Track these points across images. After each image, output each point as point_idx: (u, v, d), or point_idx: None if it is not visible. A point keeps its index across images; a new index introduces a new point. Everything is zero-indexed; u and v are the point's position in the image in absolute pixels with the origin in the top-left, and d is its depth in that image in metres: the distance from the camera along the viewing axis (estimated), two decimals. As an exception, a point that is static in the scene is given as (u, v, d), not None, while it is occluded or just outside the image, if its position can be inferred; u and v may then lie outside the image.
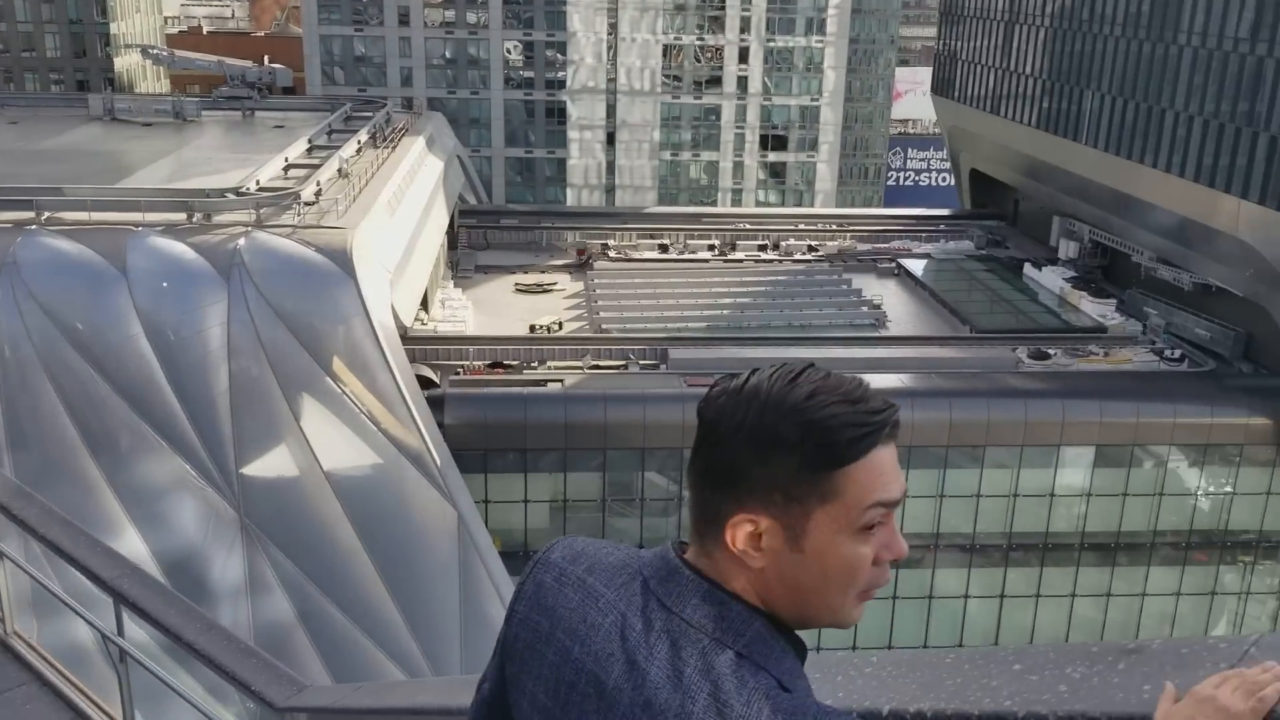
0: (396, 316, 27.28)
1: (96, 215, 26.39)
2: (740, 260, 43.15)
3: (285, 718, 4.79)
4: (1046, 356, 32.15)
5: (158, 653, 5.41)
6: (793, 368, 1.46)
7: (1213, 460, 30.67)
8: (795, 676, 1.44)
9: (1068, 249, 40.87)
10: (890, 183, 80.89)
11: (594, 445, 28.93)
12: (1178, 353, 32.81)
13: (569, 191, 67.61)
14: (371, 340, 24.79)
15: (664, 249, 43.88)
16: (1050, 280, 39.24)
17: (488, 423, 28.24)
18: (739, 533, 1.43)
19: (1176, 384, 31.19)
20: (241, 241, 25.54)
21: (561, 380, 30.17)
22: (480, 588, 24.16)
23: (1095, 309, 36.45)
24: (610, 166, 68.01)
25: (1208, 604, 32.19)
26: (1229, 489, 31.05)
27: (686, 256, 43.41)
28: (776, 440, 1.42)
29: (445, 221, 38.38)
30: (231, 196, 28.11)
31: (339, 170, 32.05)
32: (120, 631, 5.64)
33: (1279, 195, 30.21)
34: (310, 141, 36.56)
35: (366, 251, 26.18)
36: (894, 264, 42.54)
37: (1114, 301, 36.74)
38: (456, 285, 38.21)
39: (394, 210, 30.71)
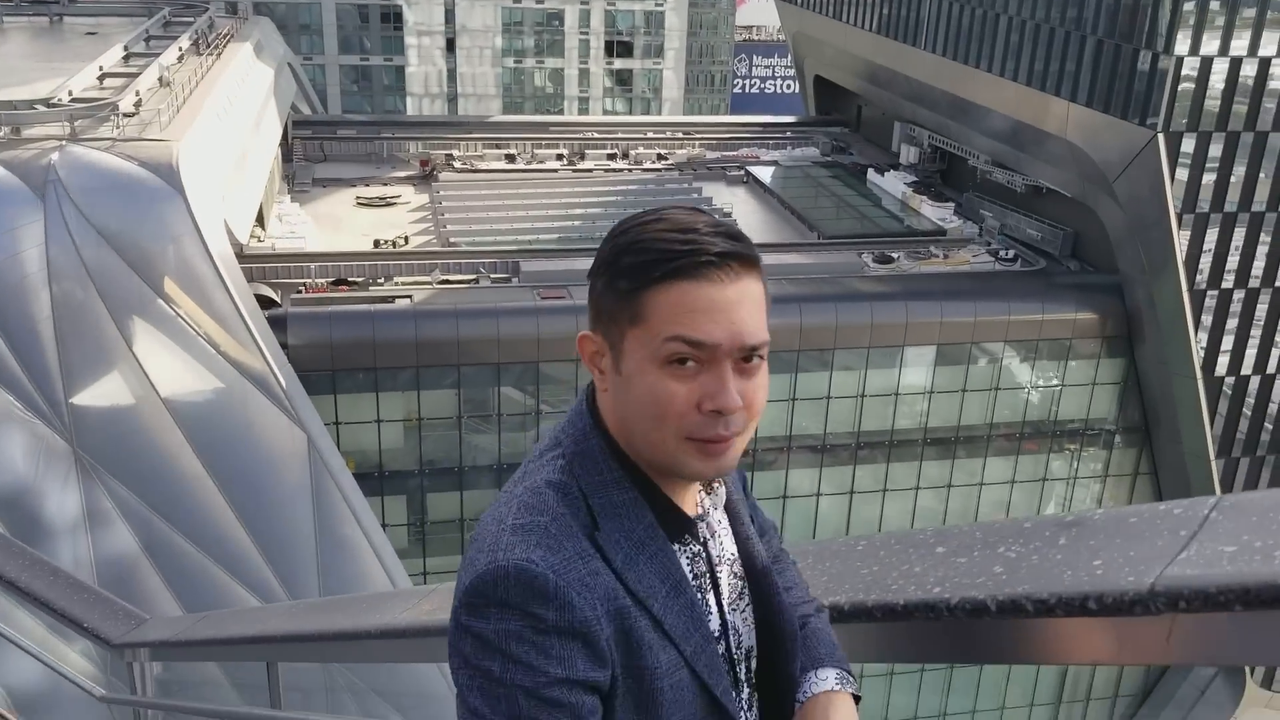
0: (230, 233, 25.97)
1: (-113, 130, 24.14)
2: (589, 170, 42.61)
3: (125, 655, 4.46)
4: (890, 260, 32.95)
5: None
6: (680, 207, 1.50)
7: (1043, 355, 32.16)
8: (615, 511, 1.45)
9: (908, 154, 41.75)
10: (736, 90, 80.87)
11: (447, 362, 28.38)
12: (1011, 253, 34.07)
13: (409, 100, 65.37)
14: (204, 259, 23.53)
15: (511, 159, 42.96)
16: (892, 185, 40.09)
17: (334, 342, 27.35)
18: (582, 349, 1.51)
19: (1010, 283, 32.44)
20: (55, 156, 23.75)
21: (410, 296, 29.39)
22: (335, 511, 23.61)
23: (935, 212, 37.46)
24: (451, 74, 65.95)
25: (1039, 490, 34.04)
26: (1057, 382, 32.66)
27: (534, 167, 42.63)
28: (599, 259, 1.48)
29: (278, 133, 36.58)
30: (42, 108, 26.04)
31: (160, 79, 30.05)
32: (-69, 573, 5.18)
33: (1105, 98, 31.37)
34: (126, 49, 34.11)
35: (194, 165, 24.73)
36: (742, 172, 42.72)
37: (952, 205, 37.80)
38: (294, 200, 36.61)
39: (222, 121, 29.03)
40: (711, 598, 1.54)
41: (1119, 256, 32.07)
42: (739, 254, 1.43)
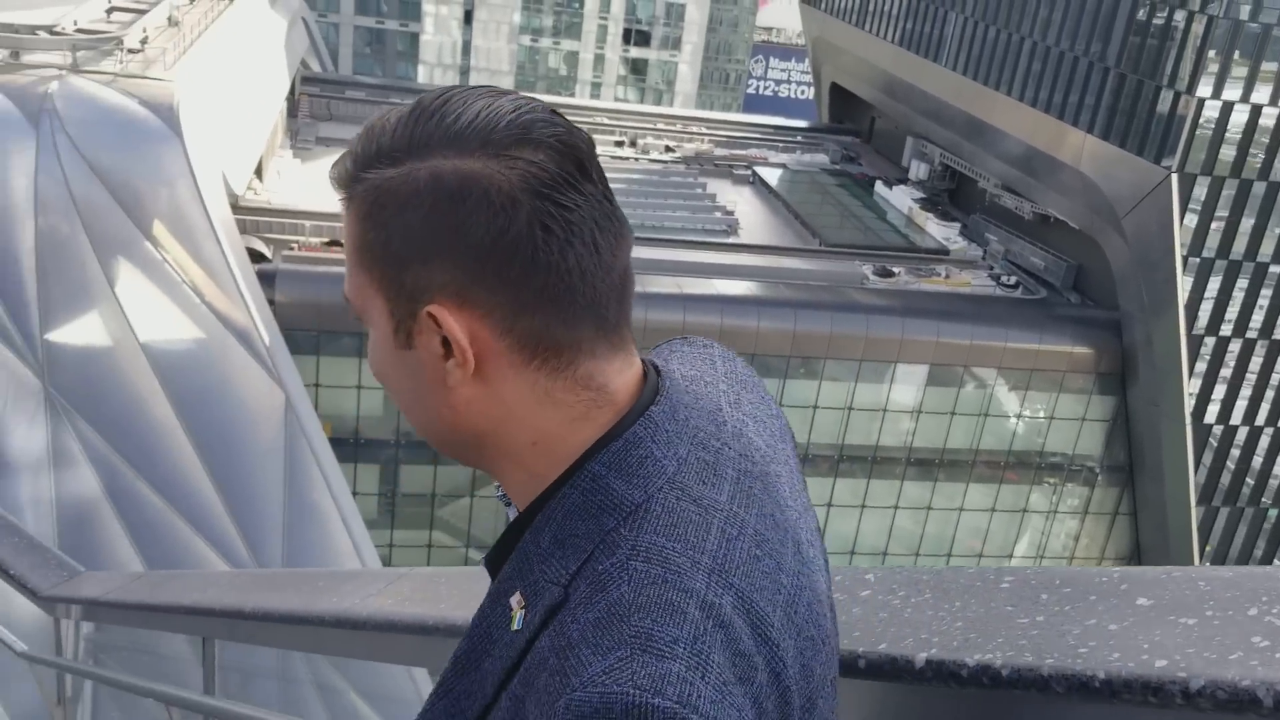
0: (226, 183, 25.43)
1: (-116, 41, 23.53)
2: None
3: (56, 610, 4.00)
4: (891, 274, 32.59)
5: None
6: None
7: (1036, 385, 31.87)
8: None
9: (918, 170, 41.40)
10: (750, 91, 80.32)
11: (434, 333, 27.91)
12: (1013, 279, 33.76)
13: (421, 69, 64.69)
14: (198, 205, 23.00)
15: (518, 137, 42.36)
16: (899, 200, 39.73)
17: (322, 302, 26.82)
18: None
19: (1009, 310, 32.12)
20: (54, 86, 23.16)
21: (403, 264, 28.85)
22: (306, 474, 23.13)
23: (940, 231, 37.11)
24: (466, 46, 65.27)
25: (1017, 521, 33.79)
26: (1045, 414, 32.39)
27: (541, 147, 42.03)
28: None
29: (285, 86, 35.99)
30: (44, 35, 25.45)
31: (169, 18, 29.45)
32: None
33: (1122, 132, 31.08)
34: (139, -16, 33.46)
35: (195, 109, 24.16)
36: (749, 171, 42.31)
37: (958, 225, 37.47)
38: (295, 156, 36.03)
39: (229, 67, 28.45)
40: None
41: (1120, 293, 31.79)
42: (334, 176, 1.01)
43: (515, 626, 0.93)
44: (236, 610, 2.49)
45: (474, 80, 65.13)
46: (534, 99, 0.97)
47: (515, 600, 0.95)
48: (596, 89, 68.07)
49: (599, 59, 67.37)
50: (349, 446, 27.66)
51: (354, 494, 25.11)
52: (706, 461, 0.97)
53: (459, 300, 0.93)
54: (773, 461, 1.06)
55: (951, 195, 40.57)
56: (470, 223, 0.91)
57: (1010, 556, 33.84)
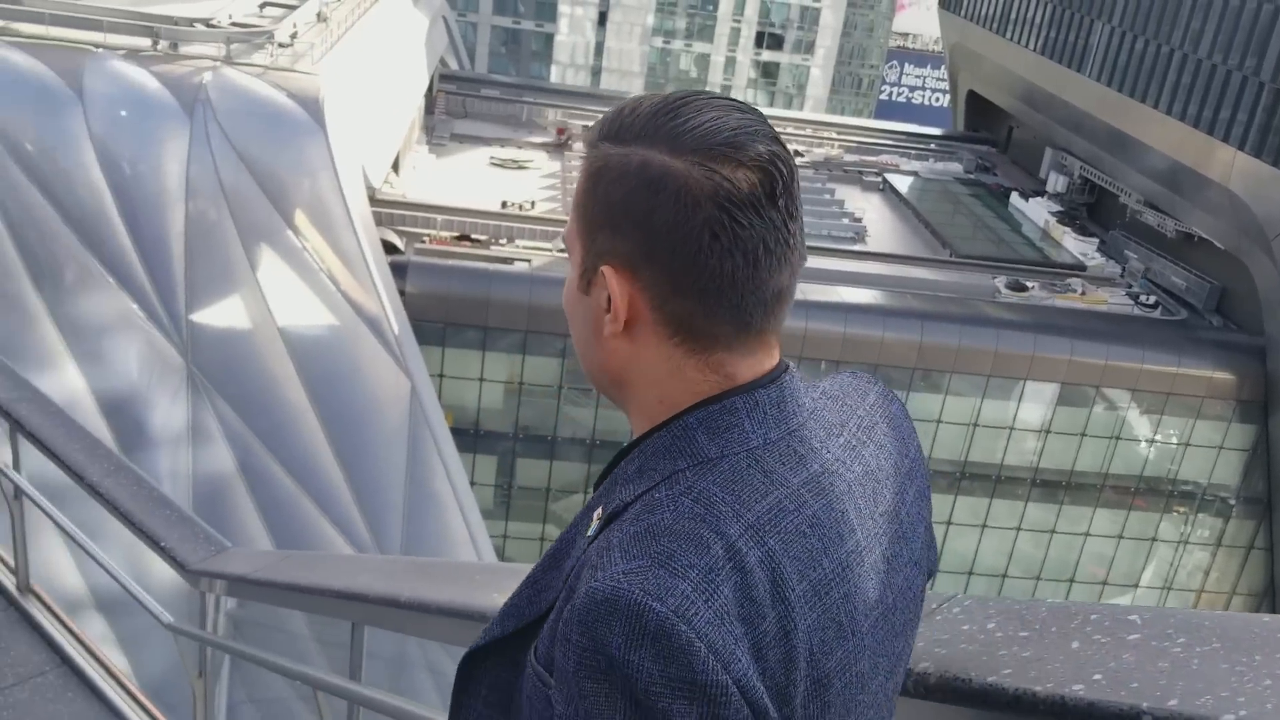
0: (365, 176, 26.10)
1: (55, 31, 24.76)
2: (724, 158, 41.89)
3: (201, 584, 4.08)
4: (1024, 289, 31.65)
5: (62, 496, 4.67)
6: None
7: (1172, 410, 30.59)
8: None
9: (1056, 182, 40.13)
10: (883, 97, 78.93)
11: (556, 330, 28.15)
12: (1153, 299, 32.46)
13: (554, 69, 65.47)
14: (338, 197, 23.67)
15: (647, 138, 42.50)
16: (1035, 212, 38.58)
17: (450, 295, 27.35)
18: None
19: (1147, 330, 30.88)
20: (208, 76, 24.10)
21: (529, 260, 29.23)
22: (428, 462, 23.60)
23: (1077, 246, 35.91)
24: (599, 48, 65.81)
25: (1145, 550, 32.51)
26: (1181, 440, 31.06)
27: (669, 148, 42.09)
28: None
29: (424, 83, 36.79)
30: (201, 27, 26.50)
31: (318, 14, 30.36)
32: (16, 465, 4.89)
33: (1275, 149, 29.60)
34: (290, -19, 34.58)
35: (339, 103, 24.88)
36: (880, 178, 41.62)
37: (1096, 241, 36.22)
38: (430, 151, 36.83)
39: (372, 63, 29.19)
40: None
41: (1266, 318, 30.27)
42: None
43: (588, 533, 1.12)
44: (392, 599, 2.46)
45: (604, 81, 65.53)
46: (762, 122, 1.10)
47: (597, 513, 1.13)
48: (726, 92, 67.73)
49: (730, 61, 67.05)
50: (469, 437, 28.12)
51: (471, 484, 25.50)
52: (796, 451, 1.10)
53: (629, 269, 1.10)
54: (874, 481, 1.18)
55: (1090, 210, 39.22)
56: (657, 211, 1.06)
57: (1135, 586, 32.58)
